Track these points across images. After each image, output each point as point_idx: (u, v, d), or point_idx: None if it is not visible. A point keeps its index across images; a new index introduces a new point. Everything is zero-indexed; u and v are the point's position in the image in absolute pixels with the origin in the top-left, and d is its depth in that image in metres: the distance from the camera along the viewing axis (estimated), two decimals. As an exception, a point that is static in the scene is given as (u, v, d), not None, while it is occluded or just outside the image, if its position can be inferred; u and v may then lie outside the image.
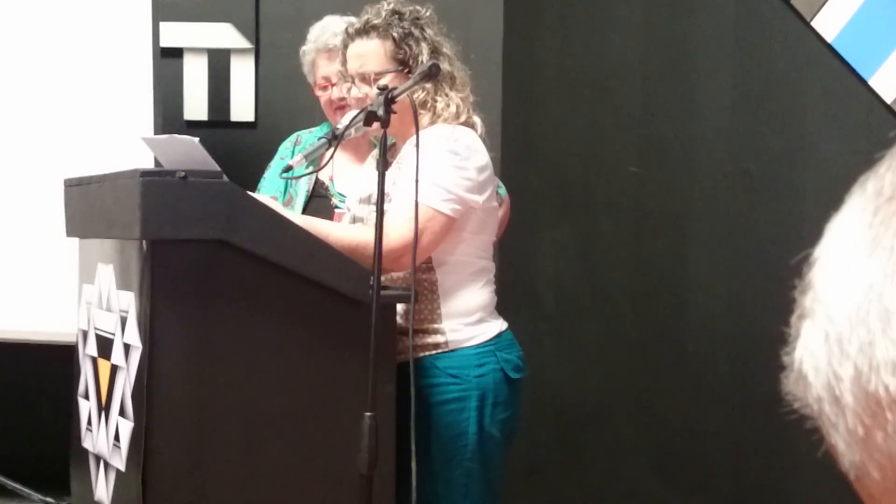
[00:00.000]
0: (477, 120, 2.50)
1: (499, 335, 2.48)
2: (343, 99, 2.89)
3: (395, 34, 2.44)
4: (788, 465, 3.31)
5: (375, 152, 2.73)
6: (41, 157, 3.46)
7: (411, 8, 2.50)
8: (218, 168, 2.28)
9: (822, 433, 0.54)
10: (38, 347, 3.44)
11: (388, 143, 2.52)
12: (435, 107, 2.46)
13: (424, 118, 2.45)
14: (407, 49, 2.44)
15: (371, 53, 2.46)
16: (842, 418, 0.52)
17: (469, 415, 2.42)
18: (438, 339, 2.44)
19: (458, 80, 2.50)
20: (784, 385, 0.56)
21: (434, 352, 2.43)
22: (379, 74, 2.44)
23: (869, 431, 0.51)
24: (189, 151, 2.28)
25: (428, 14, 2.51)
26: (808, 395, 0.54)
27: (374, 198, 2.43)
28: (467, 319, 2.45)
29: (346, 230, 2.41)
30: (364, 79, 2.46)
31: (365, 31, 2.46)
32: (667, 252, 3.61)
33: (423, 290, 2.40)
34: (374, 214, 2.41)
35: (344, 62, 2.52)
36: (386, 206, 2.23)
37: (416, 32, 2.46)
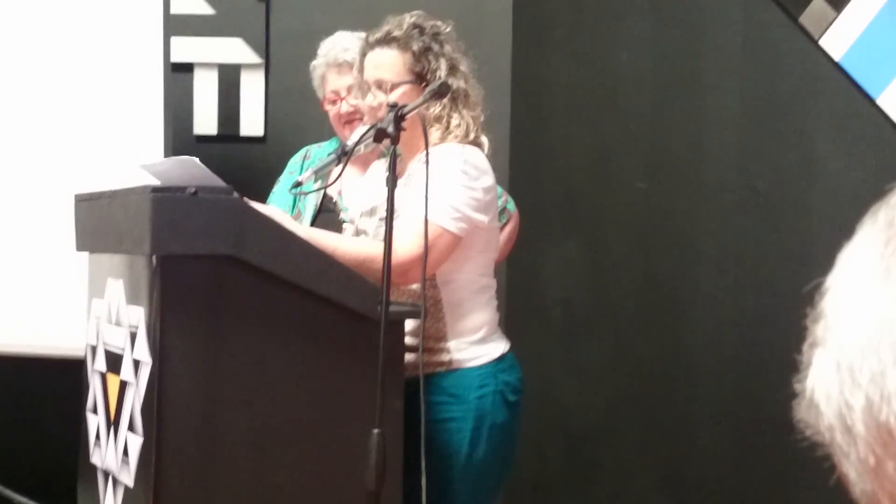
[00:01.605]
0: (484, 140, 2.50)
1: (501, 357, 2.48)
2: (352, 113, 2.91)
3: (414, 47, 2.46)
4: (798, 488, 3.30)
5: (378, 162, 2.74)
6: (52, 171, 3.47)
7: (432, 23, 2.51)
8: (223, 183, 2.29)
9: (833, 461, 0.55)
10: (47, 362, 3.45)
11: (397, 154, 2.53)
12: (449, 122, 2.47)
13: (436, 133, 2.46)
14: (425, 63, 2.46)
15: (389, 63, 2.47)
16: (853, 447, 0.52)
17: (464, 436, 2.41)
18: (443, 357, 2.44)
19: (472, 99, 2.51)
20: (796, 412, 0.57)
21: (437, 370, 2.43)
22: (396, 85, 2.45)
23: (880, 461, 0.51)
24: (192, 171, 2.29)
25: (448, 31, 2.52)
26: (819, 423, 0.55)
27: (379, 211, 2.43)
28: (472, 337, 2.45)
29: (352, 244, 2.41)
30: (380, 86, 2.47)
31: (385, 41, 2.48)
32: (674, 268, 3.61)
33: (428, 307, 2.40)
34: (380, 228, 2.41)
35: (361, 70, 2.53)
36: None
37: (436, 48, 2.47)
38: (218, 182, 2.26)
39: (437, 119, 2.46)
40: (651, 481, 3.61)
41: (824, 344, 0.55)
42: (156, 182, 2.29)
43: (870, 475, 0.52)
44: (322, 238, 2.34)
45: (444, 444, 2.40)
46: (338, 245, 2.33)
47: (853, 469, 0.53)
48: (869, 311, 0.52)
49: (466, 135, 2.47)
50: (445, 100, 2.43)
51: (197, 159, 2.30)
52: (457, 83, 2.45)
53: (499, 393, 2.44)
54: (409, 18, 2.49)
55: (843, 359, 0.53)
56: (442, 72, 2.45)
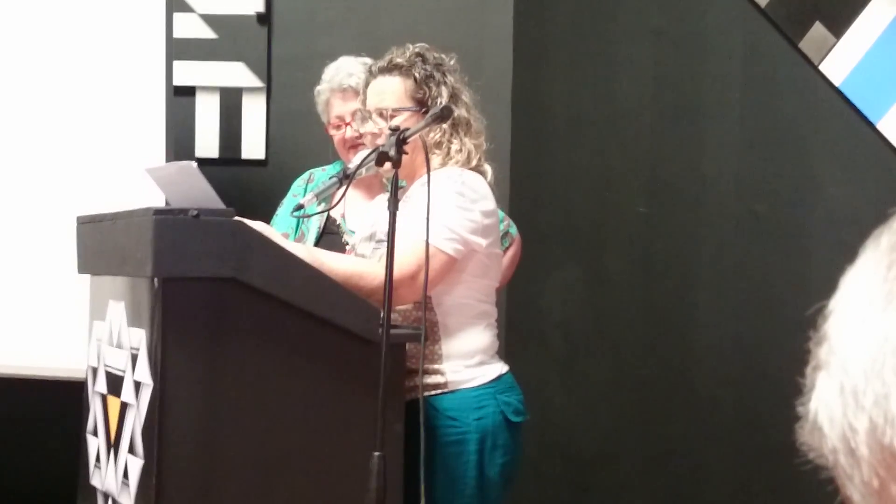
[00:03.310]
0: (487, 168, 2.51)
1: (499, 378, 2.47)
2: (356, 138, 2.92)
3: (416, 74, 2.47)
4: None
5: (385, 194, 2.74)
6: (54, 193, 3.48)
7: (436, 54, 2.53)
8: (214, 193, 2.30)
9: (837, 484, 0.55)
10: (48, 383, 3.45)
11: (399, 185, 2.53)
12: (449, 148, 2.47)
13: (437, 159, 2.46)
14: (427, 90, 2.47)
15: (391, 90, 2.49)
16: (857, 470, 0.52)
17: (468, 458, 2.40)
18: (438, 379, 2.42)
19: (474, 128, 2.52)
20: (799, 435, 0.57)
21: (433, 392, 2.41)
22: (396, 111, 2.46)
23: (884, 484, 0.51)
24: (191, 181, 2.30)
25: (451, 62, 2.54)
26: (823, 446, 0.55)
27: (377, 236, 2.44)
28: (468, 361, 2.44)
29: (340, 260, 2.40)
30: (381, 114, 2.48)
31: (388, 69, 2.49)
32: (675, 293, 3.62)
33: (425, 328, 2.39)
34: (376, 252, 2.42)
35: (364, 99, 2.54)
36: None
37: (438, 76, 2.49)
38: (213, 193, 2.26)
39: (437, 145, 2.47)
40: (652, 506, 3.60)
41: (827, 367, 0.55)
42: (156, 188, 2.30)
43: (874, 498, 0.52)
44: (312, 254, 2.33)
45: (450, 468, 2.39)
46: (324, 261, 2.31)
47: (857, 492, 0.53)
48: (872, 334, 0.52)
49: (468, 161, 2.47)
50: (446, 126, 2.44)
51: (195, 164, 2.31)
52: (458, 112, 2.47)
53: (499, 413, 2.43)
54: (412, 48, 2.51)
55: (847, 382, 0.53)
56: (443, 99, 2.45)
